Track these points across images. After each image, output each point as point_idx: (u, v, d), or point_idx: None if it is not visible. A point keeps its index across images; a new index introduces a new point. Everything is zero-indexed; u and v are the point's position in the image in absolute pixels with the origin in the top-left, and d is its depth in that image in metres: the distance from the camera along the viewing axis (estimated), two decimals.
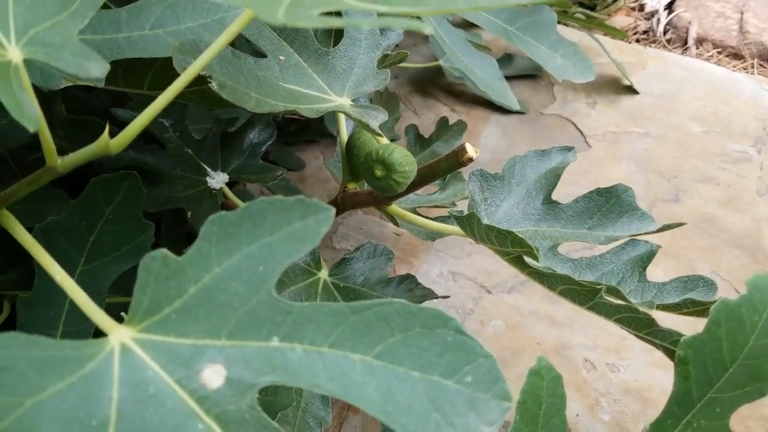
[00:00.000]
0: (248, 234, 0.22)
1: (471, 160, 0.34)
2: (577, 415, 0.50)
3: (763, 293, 0.26)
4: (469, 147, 0.34)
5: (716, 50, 0.94)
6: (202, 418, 0.21)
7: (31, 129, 0.21)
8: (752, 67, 0.91)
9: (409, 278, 0.41)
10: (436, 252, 0.63)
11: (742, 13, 0.99)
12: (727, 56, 0.93)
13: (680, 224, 0.38)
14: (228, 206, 0.47)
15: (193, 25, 0.33)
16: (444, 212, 0.43)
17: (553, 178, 0.40)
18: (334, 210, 0.23)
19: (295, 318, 0.22)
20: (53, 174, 0.27)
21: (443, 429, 0.21)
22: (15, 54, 0.24)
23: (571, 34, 0.91)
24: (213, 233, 0.22)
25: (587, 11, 0.98)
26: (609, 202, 0.39)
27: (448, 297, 0.56)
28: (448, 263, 0.61)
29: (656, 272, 0.61)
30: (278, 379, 0.22)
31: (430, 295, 0.42)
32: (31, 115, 0.22)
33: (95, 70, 0.24)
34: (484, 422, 0.23)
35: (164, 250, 0.22)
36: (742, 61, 0.92)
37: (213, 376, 0.22)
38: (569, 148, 0.42)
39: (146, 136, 0.43)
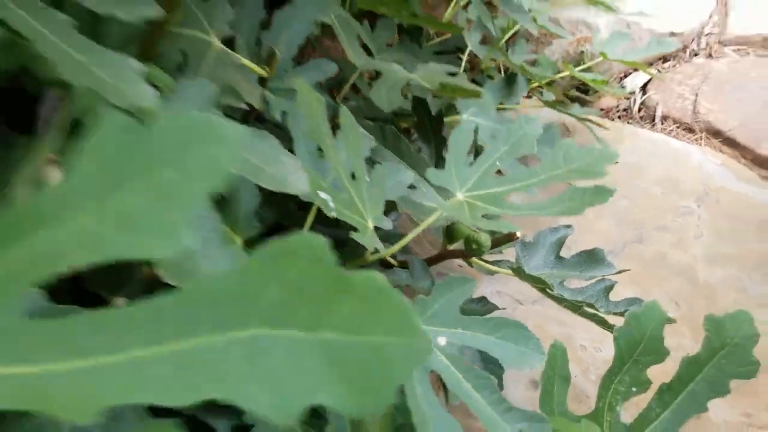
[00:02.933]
0: None
1: (517, 238, 0.68)
2: (575, 376, 0.84)
3: (649, 311, 0.60)
4: (518, 233, 0.68)
5: (675, 125, 1.29)
6: None
7: None
8: (701, 139, 1.25)
9: (483, 299, 0.75)
10: (488, 279, 0.97)
11: (696, 95, 1.34)
12: (683, 130, 1.28)
13: (626, 270, 0.72)
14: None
15: None
16: (497, 257, 0.77)
17: (560, 243, 0.75)
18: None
19: None
20: None
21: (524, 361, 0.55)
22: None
23: (562, 117, 1.25)
24: None
25: (582, 95, 1.32)
26: (590, 258, 0.73)
27: (504, 309, 0.90)
28: (495, 285, 0.95)
29: (625, 292, 0.95)
30: None
31: (494, 307, 0.76)
32: None
33: None
34: (530, 365, 0.56)
35: None
36: (693, 134, 1.26)
37: None
38: (568, 226, 0.76)
39: None
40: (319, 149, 0.56)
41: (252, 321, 0.17)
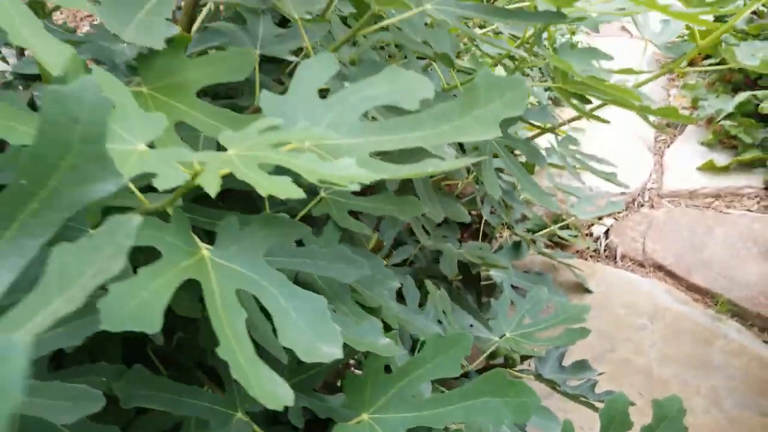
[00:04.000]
0: None
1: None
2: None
3: (619, 398, 1.04)
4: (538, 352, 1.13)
5: (631, 262, 1.78)
6: None
7: None
8: (650, 272, 1.74)
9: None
10: None
11: (644, 238, 1.84)
12: (637, 266, 1.77)
13: (603, 372, 1.17)
14: None
15: None
16: (522, 366, 1.21)
17: (561, 357, 1.20)
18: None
19: None
20: None
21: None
22: None
23: (545, 261, 1.74)
24: None
25: (562, 240, 1.82)
26: (581, 366, 1.18)
27: None
28: None
29: (604, 387, 1.39)
30: None
31: None
32: None
33: None
34: None
35: None
36: (644, 269, 1.75)
37: None
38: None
39: None
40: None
41: None
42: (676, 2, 1.09)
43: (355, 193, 0.77)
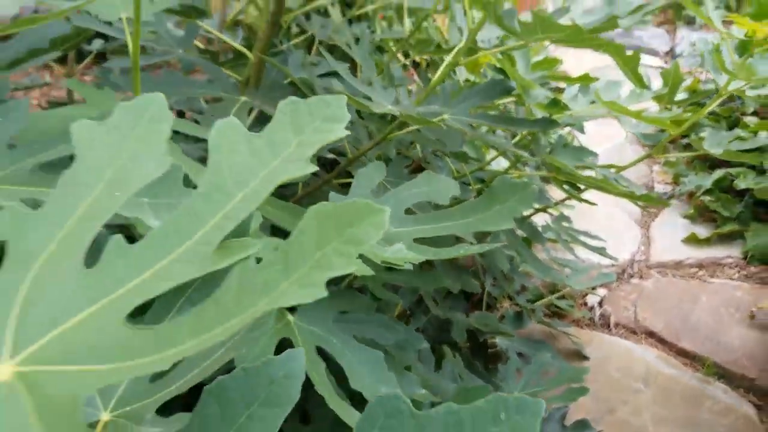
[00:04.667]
0: None
1: None
2: None
3: None
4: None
5: (624, 329, 1.91)
6: None
7: None
8: (642, 339, 1.86)
9: None
10: None
11: (635, 307, 1.98)
12: (629, 333, 1.90)
13: (601, 431, 1.28)
14: None
15: None
16: None
17: (563, 416, 1.31)
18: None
19: None
20: None
21: None
22: None
23: (544, 329, 1.87)
24: None
25: (559, 310, 1.95)
26: (583, 426, 1.29)
27: None
28: None
29: None
30: None
31: None
32: None
33: None
34: None
35: None
36: (636, 335, 1.88)
37: None
38: (566, 406, 1.33)
39: None
40: None
41: None
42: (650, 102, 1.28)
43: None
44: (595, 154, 1.09)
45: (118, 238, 0.25)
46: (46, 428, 0.20)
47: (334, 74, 0.99)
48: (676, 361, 1.77)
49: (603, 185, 0.95)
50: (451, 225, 0.65)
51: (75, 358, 0.22)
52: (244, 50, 1.03)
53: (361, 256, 0.55)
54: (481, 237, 1.26)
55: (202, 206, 0.26)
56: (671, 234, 2.29)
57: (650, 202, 1.01)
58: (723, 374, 1.70)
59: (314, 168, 0.27)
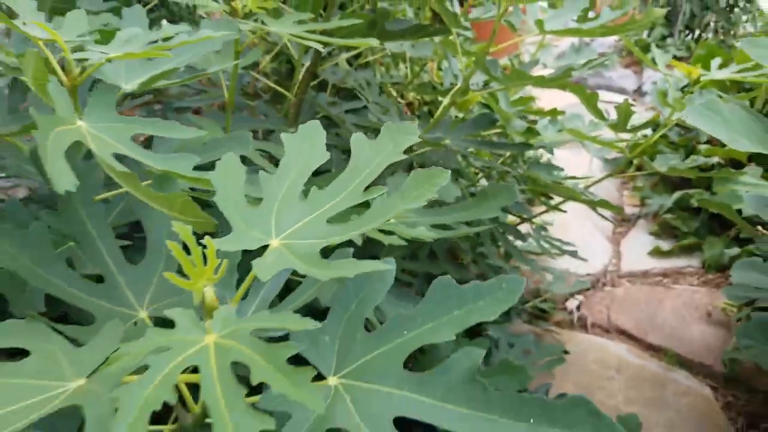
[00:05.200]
0: None
1: None
2: None
3: None
4: None
5: (599, 329, 2.17)
6: None
7: None
8: (614, 336, 2.12)
9: None
10: None
11: (608, 310, 2.24)
12: (603, 332, 2.16)
13: None
14: None
15: None
16: None
17: (546, 393, 1.55)
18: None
19: None
20: None
21: None
22: None
23: (531, 328, 2.12)
24: None
25: (541, 313, 2.21)
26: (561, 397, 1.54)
27: None
28: None
29: None
30: None
31: None
32: None
33: None
34: None
35: None
36: (609, 334, 2.14)
37: None
38: (549, 383, 1.58)
39: None
40: None
41: None
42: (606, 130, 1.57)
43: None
44: (561, 169, 1.37)
45: (315, 189, 0.52)
46: (299, 260, 0.46)
47: (356, 110, 1.28)
48: (644, 353, 2.03)
49: (571, 193, 1.23)
50: (456, 215, 0.92)
51: (304, 237, 0.49)
52: (286, 93, 1.30)
53: (394, 234, 0.81)
54: (474, 245, 1.53)
55: (351, 174, 0.52)
56: (639, 248, 2.57)
57: (607, 208, 1.28)
58: (684, 363, 1.96)
59: (403, 156, 0.54)
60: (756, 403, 1.79)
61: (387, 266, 0.46)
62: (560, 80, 1.07)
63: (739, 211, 1.42)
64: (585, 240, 2.56)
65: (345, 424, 0.45)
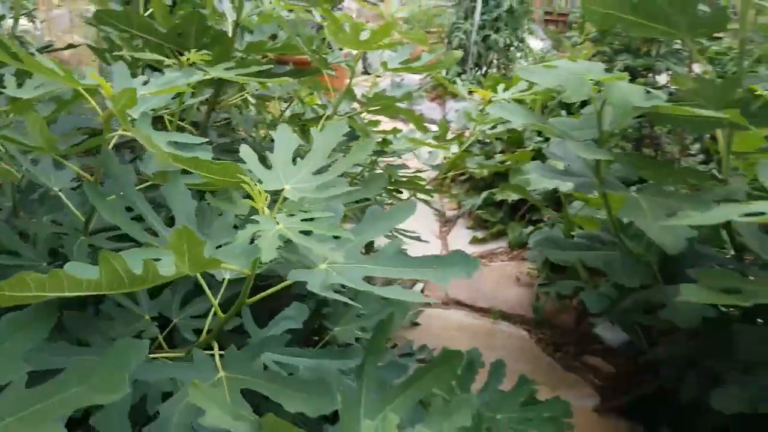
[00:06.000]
0: None
1: None
2: None
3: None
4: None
5: (441, 303, 2.69)
6: None
7: None
8: (451, 307, 2.65)
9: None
10: None
11: (445, 287, 2.78)
12: (444, 305, 2.68)
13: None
14: None
15: None
16: None
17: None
18: None
19: None
20: None
21: None
22: None
23: None
24: None
25: None
26: (422, 350, 1.99)
27: None
28: None
29: None
30: None
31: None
32: None
33: None
34: None
35: None
36: (448, 306, 2.67)
37: None
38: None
39: None
40: None
41: None
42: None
43: None
44: (408, 168, 1.85)
45: (299, 159, 0.89)
46: (300, 192, 0.85)
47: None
48: (476, 315, 2.58)
49: (417, 185, 1.70)
50: (351, 195, 1.32)
51: (301, 182, 0.87)
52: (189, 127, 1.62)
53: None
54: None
55: (315, 151, 0.91)
56: (461, 240, 3.18)
57: (434, 192, 1.78)
58: (505, 316, 2.54)
59: (342, 139, 0.95)
60: (557, 335, 2.41)
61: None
62: (392, 102, 1.54)
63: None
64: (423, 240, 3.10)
65: (337, 280, 0.84)
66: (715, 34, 2.81)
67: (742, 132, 1.39)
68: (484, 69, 5.80)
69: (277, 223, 0.74)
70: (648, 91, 1.15)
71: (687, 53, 2.49)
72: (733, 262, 1.32)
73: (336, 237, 0.77)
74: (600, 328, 2.33)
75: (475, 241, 3.12)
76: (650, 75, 2.70)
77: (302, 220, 0.75)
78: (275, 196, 0.84)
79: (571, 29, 5.90)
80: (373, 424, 0.74)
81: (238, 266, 0.72)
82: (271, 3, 1.54)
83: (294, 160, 0.90)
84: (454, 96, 5.90)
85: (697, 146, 2.83)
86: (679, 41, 2.69)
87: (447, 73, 5.71)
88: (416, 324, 2.47)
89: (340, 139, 0.93)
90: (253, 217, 0.74)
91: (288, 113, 2.01)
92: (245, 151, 0.87)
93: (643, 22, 1.27)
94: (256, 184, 0.79)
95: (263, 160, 0.87)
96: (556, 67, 1.28)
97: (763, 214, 0.92)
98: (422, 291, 2.78)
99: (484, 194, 3.26)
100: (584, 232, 1.67)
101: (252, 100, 2.15)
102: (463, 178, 3.73)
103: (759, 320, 1.30)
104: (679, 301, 1.23)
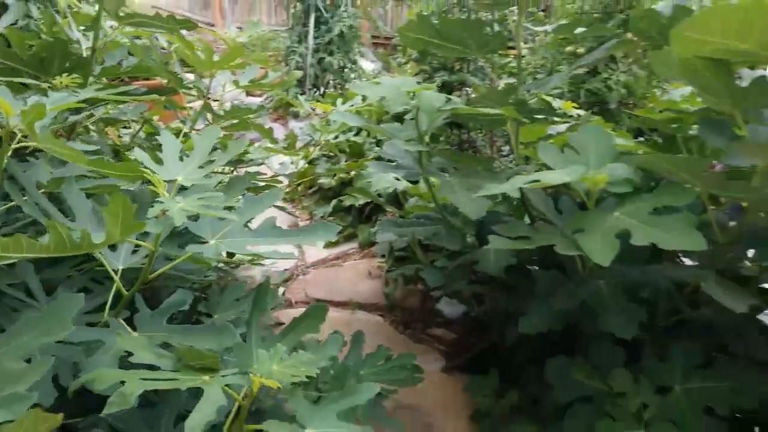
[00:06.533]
0: None
1: None
2: None
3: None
4: None
5: (302, 303, 2.92)
6: None
7: None
8: (313, 302, 2.90)
9: None
10: None
11: (305, 289, 3.02)
12: (306, 304, 2.92)
13: None
14: None
15: None
16: None
17: None
18: None
19: None
20: None
21: None
22: None
23: None
24: None
25: None
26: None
27: None
28: None
29: None
30: None
31: None
32: None
33: None
34: None
35: None
36: (309, 304, 2.91)
37: None
38: None
39: None
40: None
41: None
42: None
43: None
44: (265, 174, 2.08)
45: (185, 156, 1.10)
46: (187, 181, 1.07)
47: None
48: (336, 309, 2.85)
49: (272, 186, 1.94)
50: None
51: (190, 175, 1.08)
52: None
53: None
54: None
55: (197, 150, 1.13)
56: (316, 244, 3.44)
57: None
58: (362, 307, 2.84)
59: (216, 142, 1.17)
60: (407, 316, 2.75)
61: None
62: (243, 122, 1.77)
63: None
64: (278, 247, 3.31)
65: (225, 249, 1.06)
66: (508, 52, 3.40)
67: (526, 126, 1.82)
68: (322, 89, 6.15)
69: (178, 203, 0.94)
70: (448, 98, 1.51)
71: (490, 68, 3.01)
72: (528, 225, 1.73)
73: (228, 208, 1.00)
74: (441, 304, 2.72)
75: (328, 244, 3.40)
76: (464, 89, 3.19)
77: (198, 199, 0.96)
78: (170, 185, 1.04)
79: (396, 51, 6.48)
80: (265, 352, 0.97)
81: (155, 230, 0.92)
82: (114, 30, 1.70)
83: (180, 158, 1.10)
84: (296, 116, 6.19)
85: (507, 147, 3.38)
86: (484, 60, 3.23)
87: (287, 93, 5.98)
88: (281, 324, 2.67)
89: (216, 141, 1.15)
90: (157, 199, 0.94)
91: (128, 137, 2.15)
92: (139, 153, 1.06)
93: (445, 44, 1.64)
94: (155, 175, 0.99)
95: (157, 159, 1.07)
96: (380, 83, 1.60)
97: (538, 181, 1.30)
98: (283, 293, 2.99)
99: (334, 202, 3.56)
100: (417, 213, 2.01)
101: (92, 127, 2.24)
102: (312, 190, 4.01)
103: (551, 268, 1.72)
104: (488, 252, 1.60)
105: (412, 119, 1.62)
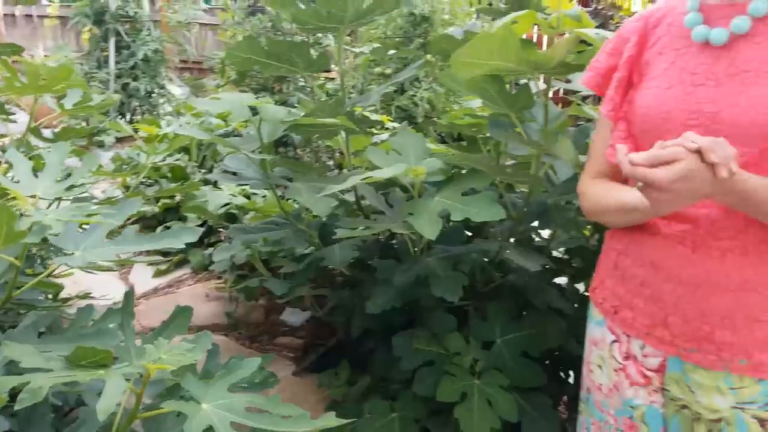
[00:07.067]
0: None
1: None
2: None
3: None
4: None
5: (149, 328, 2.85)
6: None
7: None
8: (148, 332, 2.85)
9: None
10: None
11: (139, 321, 2.94)
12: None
13: None
14: None
15: None
16: None
17: None
18: None
19: None
20: None
21: None
22: None
23: None
24: None
25: None
26: None
27: None
28: None
29: None
30: None
31: None
32: None
33: None
34: None
35: None
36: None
37: None
38: None
39: None
40: None
41: None
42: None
43: None
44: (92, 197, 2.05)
45: (39, 172, 1.13)
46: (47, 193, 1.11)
47: None
48: None
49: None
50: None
51: (53, 192, 1.12)
52: None
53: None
54: None
55: (49, 165, 1.16)
56: (145, 274, 3.36)
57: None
58: (205, 329, 2.84)
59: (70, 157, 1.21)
60: (251, 330, 2.83)
61: None
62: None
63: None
64: (104, 286, 3.17)
65: (91, 258, 1.11)
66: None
67: (355, 136, 2.05)
68: (128, 116, 5.92)
69: (47, 215, 0.99)
70: (289, 111, 1.67)
71: (310, 88, 3.23)
72: (366, 219, 1.96)
73: (90, 215, 1.05)
74: (285, 314, 2.85)
75: (158, 273, 3.34)
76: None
77: (67, 211, 1.01)
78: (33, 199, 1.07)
79: (208, 74, 6.48)
80: (151, 345, 1.05)
81: (34, 239, 0.95)
82: None
83: (35, 175, 1.13)
84: (101, 146, 5.87)
85: (331, 162, 3.63)
86: (303, 80, 3.45)
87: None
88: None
89: (66, 157, 1.19)
90: (25, 213, 0.98)
91: None
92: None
93: (274, 63, 1.81)
94: (16, 191, 1.02)
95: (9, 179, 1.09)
96: (221, 98, 1.71)
97: (371, 177, 1.52)
98: None
99: (160, 229, 3.50)
100: (265, 219, 2.13)
101: None
102: (133, 219, 3.88)
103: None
104: (333, 249, 1.78)
105: (250, 133, 1.75)
